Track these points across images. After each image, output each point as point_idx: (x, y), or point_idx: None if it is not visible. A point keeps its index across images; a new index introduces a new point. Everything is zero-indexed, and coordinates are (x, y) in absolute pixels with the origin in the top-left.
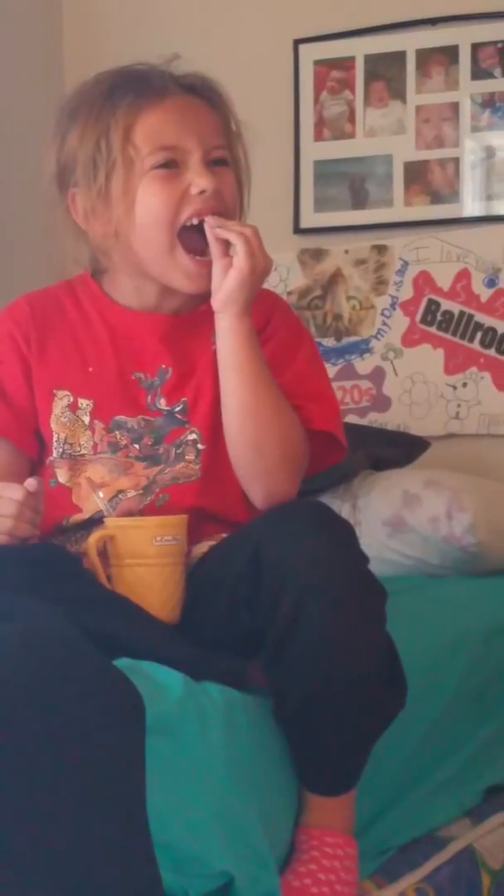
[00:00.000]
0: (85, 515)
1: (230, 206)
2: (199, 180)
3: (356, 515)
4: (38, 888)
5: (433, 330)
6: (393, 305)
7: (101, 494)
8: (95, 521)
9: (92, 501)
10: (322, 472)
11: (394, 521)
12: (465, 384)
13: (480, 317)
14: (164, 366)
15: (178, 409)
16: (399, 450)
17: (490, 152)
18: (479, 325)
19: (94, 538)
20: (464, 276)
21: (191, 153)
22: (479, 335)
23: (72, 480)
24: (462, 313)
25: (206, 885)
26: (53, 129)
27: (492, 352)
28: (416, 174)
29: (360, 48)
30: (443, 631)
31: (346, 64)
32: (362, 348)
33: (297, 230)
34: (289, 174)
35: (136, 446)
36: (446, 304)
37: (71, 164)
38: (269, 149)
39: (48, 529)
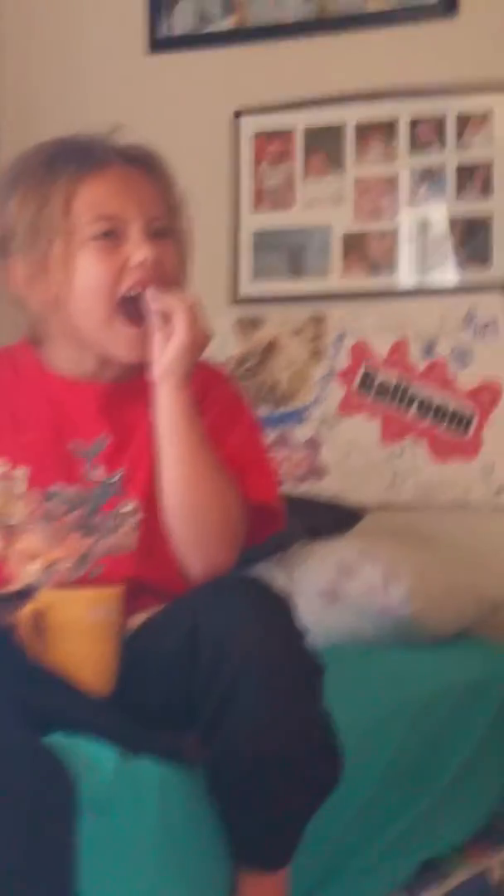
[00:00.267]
0: (18, 586)
1: (171, 277)
2: (138, 251)
3: (292, 586)
4: None
5: (370, 399)
6: (329, 375)
7: (35, 565)
8: (28, 592)
9: (25, 572)
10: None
11: (329, 592)
12: (401, 454)
13: (416, 387)
14: (101, 435)
15: (115, 479)
16: (334, 519)
17: (427, 225)
18: (415, 396)
19: (27, 610)
20: (400, 346)
21: (131, 224)
22: (415, 405)
23: (5, 550)
24: (398, 384)
25: None
26: None
27: (428, 422)
28: (354, 245)
29: (299, 120)
30: (378, 703)
31: (285, 136)
32: (298, 417)
33: (235, 300)
34: (226, 244)
35: (72, 516)
36: (383, 375)
37: (10, 232)
38: (207, 219)
39: None
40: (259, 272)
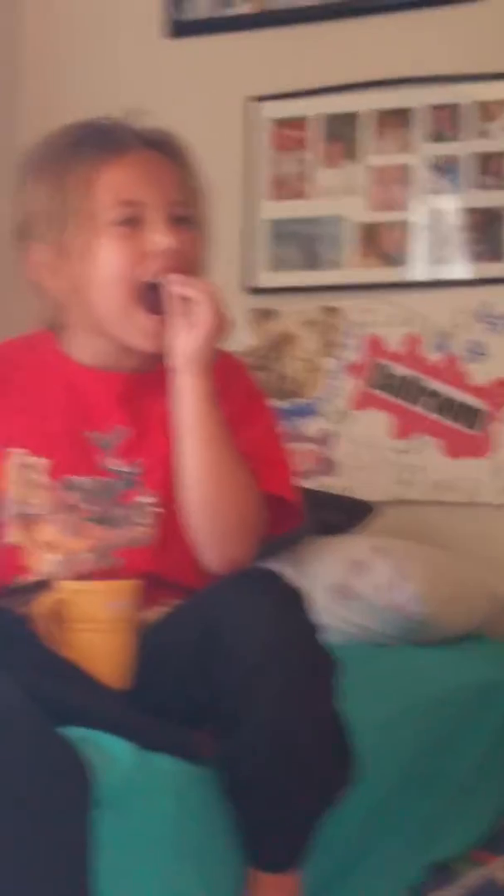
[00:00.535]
0: (36, 577)
1: (191, 264)
2: (159, 238)
3: (302, 581)
4: None
5: (381, 394)
6: (341, 368)
7: (54, 556)
8: (46, 583)
9: (43, 563)
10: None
11: (340, 588)
12: (411, 450)
13: (428, 382)
14: (119, 426)
15: (133, 470)
16: (344, 514)
17: (441, 216)
18: (426, 391)
19: (45, 601)
20: (413, 340)
21: (152, 209)
22: (427, 400)
23: (24, 541)
24: (410, 378)
25: None
26: (14, 181)
27: (439, 417)
28: (369, 236)
29: (316, 108)
30: (388, 704)
31: (301, 123)
32: (309, 410)
33: (250, 290)
34: (240, 233)
35: (90, 507)
36: (395, 368)
37: (32, 217)
38: (222, 207)
39: None
40: (273, 262)
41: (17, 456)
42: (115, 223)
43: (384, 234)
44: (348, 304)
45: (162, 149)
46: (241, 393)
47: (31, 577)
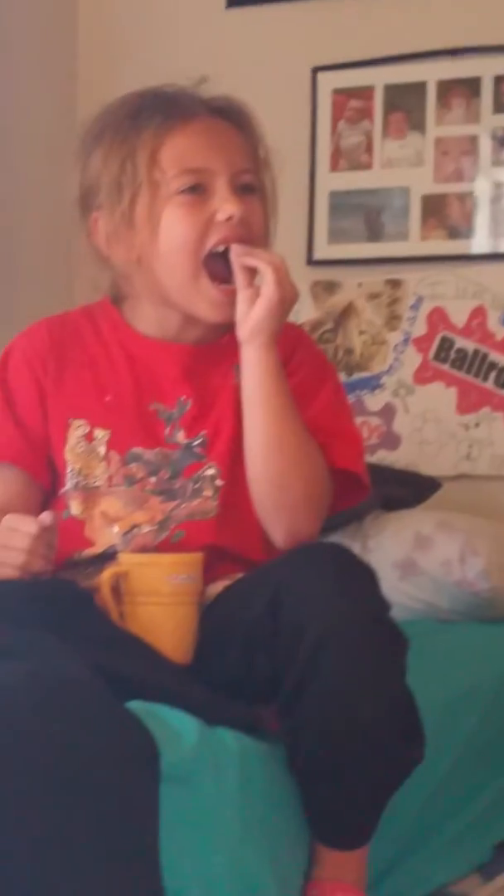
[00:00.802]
0: (98, 550)
1: (257, 233)
2: (225, 206)
3: (366, 556)
4: None
5: (446, 368)
6: (406, 341)
7: (115, 529)
8: (108, 555)
9: (105, 535)
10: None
11: (405, 564)
12: (477, 424)
13: (495, 356)
14: (183, 397)
15: (196, 442)
16: (409, 490)
17: None
18: (493, 365)
19: (107, 574)
20: (479, 313)
21: (218, 177)
22: (493, 374)
23: (85, 513)
24: (476, 351)
25: None
26: (77, 151)
27: None
28: (434, 208)
29: (379, 77)
30: (454, 681)
31: (365, 93)
32: (373, 384)
33: (311, 262)
34: (302, 204)
35: (153, 479)
36: (460, 342)
37: (94, 186)
38: (284, 178)
39: (59, 563)
40: (335, 234)
41: (79, 427)
42: (180, 191)
43: (450, 205)
44: (413, 277)
45: (227, 116)
46: (308, 363)
47: (93, 550)
